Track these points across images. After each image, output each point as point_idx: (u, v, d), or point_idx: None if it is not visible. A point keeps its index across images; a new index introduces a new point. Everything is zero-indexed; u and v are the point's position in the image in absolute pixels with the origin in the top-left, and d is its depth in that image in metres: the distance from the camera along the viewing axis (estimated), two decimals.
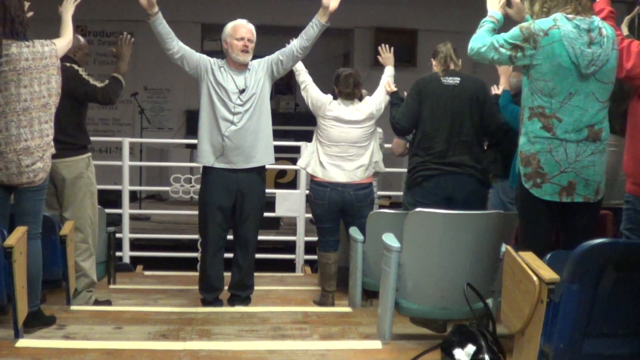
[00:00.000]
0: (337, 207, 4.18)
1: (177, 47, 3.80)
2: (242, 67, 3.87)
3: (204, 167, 3.93)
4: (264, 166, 3.97)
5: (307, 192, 4.37)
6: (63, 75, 3.53)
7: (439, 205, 3.37)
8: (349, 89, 4.18)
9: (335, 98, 4.23)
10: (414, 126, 3.77)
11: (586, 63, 2.70)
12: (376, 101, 4.27)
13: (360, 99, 4.27)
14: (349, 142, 4.16)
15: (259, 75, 3.89)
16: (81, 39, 4.01)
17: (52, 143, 3.26)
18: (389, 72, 4.42)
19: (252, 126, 3.85)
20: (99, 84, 3.85)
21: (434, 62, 3.82)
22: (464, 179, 3.49)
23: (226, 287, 4.08)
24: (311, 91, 4.24)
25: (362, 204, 4.16)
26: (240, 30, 3.85)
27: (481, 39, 2.90)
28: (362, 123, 4.19)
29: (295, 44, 3.88)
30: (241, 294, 4.05)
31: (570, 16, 2.75)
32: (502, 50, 2.81)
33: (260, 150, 3.89)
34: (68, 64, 3.75)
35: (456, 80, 3.67)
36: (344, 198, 4.15)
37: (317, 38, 3.85)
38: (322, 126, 4.20)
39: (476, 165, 3.64)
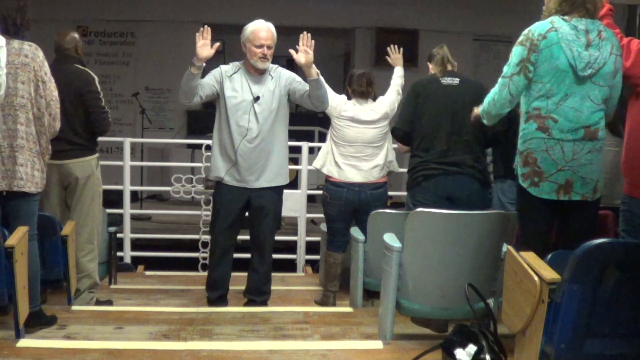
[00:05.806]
0: (353, 207, 4.19)
1: (198, 98, 3.73)
2: (260, 72, 3.79)
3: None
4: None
5: (322, 192, 4.33)
6: (80, 78, 3.56)
7: (440, 204, 3.36)
8: (362, 88, 4.19)
9: (349, 98, 4.24)
10: (412, 129, 3.71)
11: (583, 65, 2.69)
12: (390, 101, 4.29)
13: (374, 98, 4.27)
14: (364, 142, 4.17)
15: (278, 89, 3.79)
16: (76, 35, 4.02)
17: (41, 154, 3.18)
18: (398, 72, 4.44)
19: (266, 146, 3.77)
20: (107, 108, 3.94)
21: (430, 65, 3.82)
22: (464, 179, 3.47)
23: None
24: None
25: (378, 203, 4.17)
26: (259, 35, 3.73)
27: (486, 100, 2.93)
28: (377, 123, 4.20)
29: (307, 94, 3.74)
30: (257, 299, 3.99)
31: (566, 17, 2.74)
32: (515, 78, 2.78)
33: (273, 171, 3.82)
34: (81, 67, 3.83)
35: (455, 80, 3.64)
36: (360, 198, 4.16)
37: (320, 92, 3.67)
38: (337, 126, 4.19)
39: (476, 165, 3.61)
